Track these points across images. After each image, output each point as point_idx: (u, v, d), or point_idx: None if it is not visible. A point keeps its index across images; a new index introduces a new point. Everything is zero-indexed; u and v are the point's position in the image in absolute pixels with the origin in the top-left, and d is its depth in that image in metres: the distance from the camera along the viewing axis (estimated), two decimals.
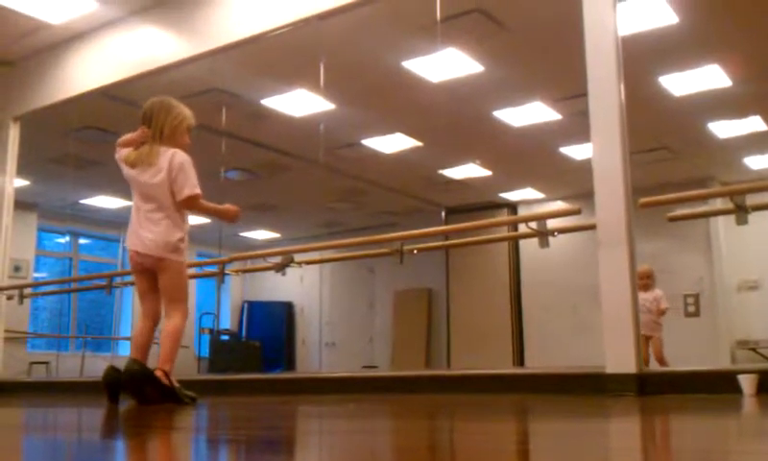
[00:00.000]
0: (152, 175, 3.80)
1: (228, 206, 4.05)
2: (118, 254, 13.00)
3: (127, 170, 3.91)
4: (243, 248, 13.60)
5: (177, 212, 3.82)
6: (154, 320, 3.87)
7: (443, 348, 12.77)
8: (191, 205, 3.83)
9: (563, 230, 5.28)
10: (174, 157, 3.81)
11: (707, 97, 7.93)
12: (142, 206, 3.84)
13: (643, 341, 7.06)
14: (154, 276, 3.85)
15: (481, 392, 4.63)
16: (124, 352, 12.57)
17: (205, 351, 12.63)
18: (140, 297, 3.91)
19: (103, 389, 3.67)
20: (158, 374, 3.58)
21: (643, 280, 7.24)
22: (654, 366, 7.01)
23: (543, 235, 4.85)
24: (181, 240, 3.82)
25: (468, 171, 10.79)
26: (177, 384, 3.66)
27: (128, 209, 4.04)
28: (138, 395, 3.57)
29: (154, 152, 3.83)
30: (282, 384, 5.90)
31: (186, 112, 3.99)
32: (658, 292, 7.56)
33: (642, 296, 7.15)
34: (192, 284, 10.24)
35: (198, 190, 3.82)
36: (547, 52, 7.08)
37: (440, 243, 6.96)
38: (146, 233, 3.80)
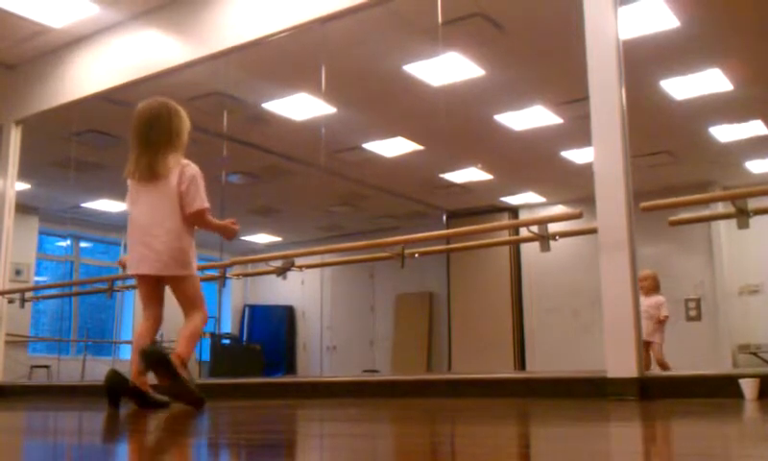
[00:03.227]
0: (162, 186, 3.65)
1: (228, 223, 3.94)
2: (119, 257, 12.99)
3: (134, 186, 3.73)
4: (244, 252, 13.60)
5: (183, 225, 3.68)
6: (156, 322, 3.79)
7: (444, 351, 12.77)
8: (199, 218, 3.72)
9: (564, 234, 5.27)
10: (185, 169, 3.69)
11: (708, 101, 7.93)
12: (145, 222, 3.68)
13: (644, 347, 7.05)
14: (155, 282, 3.76)
15: (482, 396, 4.62)
16: (125, 356, 12.57)
17: (206, 355, 12.60)
18: (142, 302, 3.83)
19: (104, 393, 3.66)
20: (175, 359, 3.51)
21: (641, 283, 7.14)
22: (655, 370, 6.99)
23: (545, 239, 4.84)
24: (186, 252, 3.70)
25: (470, 175, 10.79)
26: (189, 377, 3.64)
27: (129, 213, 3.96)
28: (121, 401, 3.57)
29: (166, 162, 3.66)
30: (283, 388, 5.89)
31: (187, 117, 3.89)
32: (660, 298, 7.42)
33: (643, 301, 7.10)
34: None
35: (207, 204, 3.72)
36: (548, 56, 7.08)
37: (441, 247, 6.94)
38: (149, 252, 3.64)
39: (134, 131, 3.76)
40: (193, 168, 3.74)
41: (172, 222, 3.65)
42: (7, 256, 7.76)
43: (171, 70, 6.75)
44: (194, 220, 3.73)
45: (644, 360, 6.89)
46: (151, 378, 3.63)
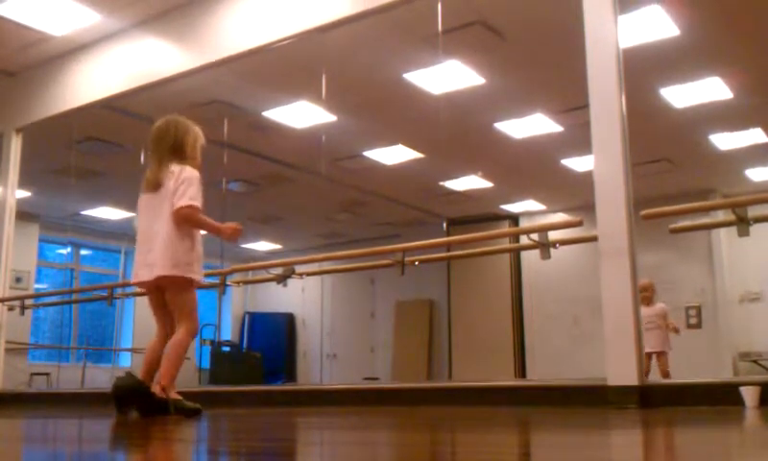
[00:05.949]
0: (162, 193, 3.74)
1: (226, 225, 3.86)
2: (119, 264, 13.01)
3: (141, 197, 3.83)
4: (244, 259, 13.61)
5: (177, 228, 3.70)
6: (166, 337, 3.79)
7: (444, 359, 12.75)
8: (185, 216, 3.69)
9: (564, 242, 5.27)
10: (182, 172, 3.74)
11: (708, 109, 7.94)
12: (145, 230, 3.77)
13: (656, 358, 7.07)
14: (161, 291, 3.79)
15: (482, 404, 4.61)
16: (125, 364, 12.56)
17: (206, 363, 12.60)
18: (153, 313, 3.87)
19: (112, 399, 3.64)
20: (156, 389, 3.55)
21: (643, 293, 7.14)
22: (656, 378, 6.97)
23: (545, 247, 4.84)
24: (180, 254, 3.69)
25: (470, 182, 10.80)
26: (176, 397, 3.62)
27: (129, 220, 4.01)
28: (128, 408, 3.56)
29: (167, 170, 3.76)
30: (283, 396, 5.88)
31: (200, 131, 3.96)
32: (663, 306, 7.42)
33: (645, 311, 7.09)
34: None
35: (194, 202, 3.69)
36: (548, 64, 7.09)
37: (441, 254, 6.93)
38: (149, 257, 3.71)
39: (148, 148, 3.91)
40: (189, 171, 3.77)
41: (168, 226, 3.71)
42: (7, 264, 7.76)
43: (172, 78, 6.77)
44: (181, 219, 3.70)
45: (645, 368, 6.93)
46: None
